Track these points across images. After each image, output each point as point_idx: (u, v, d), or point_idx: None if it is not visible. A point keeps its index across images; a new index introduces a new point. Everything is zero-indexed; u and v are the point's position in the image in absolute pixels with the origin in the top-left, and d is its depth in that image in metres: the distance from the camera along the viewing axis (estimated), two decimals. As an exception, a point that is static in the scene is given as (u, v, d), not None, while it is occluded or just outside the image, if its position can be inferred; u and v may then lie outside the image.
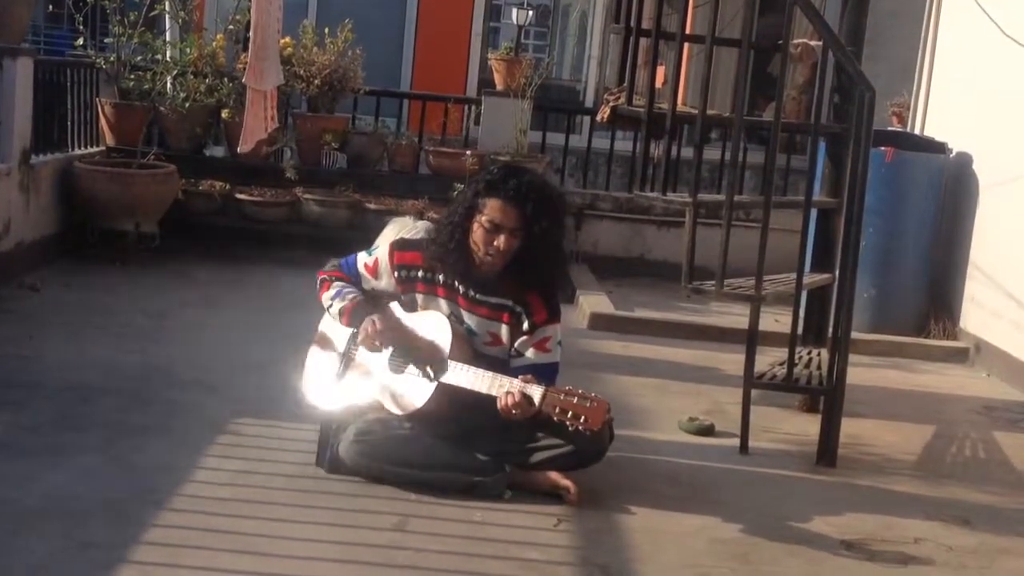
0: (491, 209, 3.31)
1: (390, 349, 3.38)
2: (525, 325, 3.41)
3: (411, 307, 3.49)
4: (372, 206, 7.03)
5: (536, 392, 3.18)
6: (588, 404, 3.14)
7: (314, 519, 3.15)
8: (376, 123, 7.70)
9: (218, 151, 7.40)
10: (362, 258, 3.54)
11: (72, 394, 3.99)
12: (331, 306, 3.49)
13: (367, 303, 3.44)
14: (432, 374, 3.32)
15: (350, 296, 3.45)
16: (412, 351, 3.35)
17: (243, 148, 6.15)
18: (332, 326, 3.54)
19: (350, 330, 3.47)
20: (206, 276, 6.28)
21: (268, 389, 4.15)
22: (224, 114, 7.10)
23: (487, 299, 3.42)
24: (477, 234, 3.33)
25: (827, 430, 4.07)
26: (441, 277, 3.44)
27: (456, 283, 3.43)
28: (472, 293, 3.43)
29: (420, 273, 3.46)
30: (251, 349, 4.80)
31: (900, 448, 4.34)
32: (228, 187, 7.06)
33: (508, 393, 3.21)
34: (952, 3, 6.72)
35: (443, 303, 3.45)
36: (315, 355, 3.60)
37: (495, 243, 3.30)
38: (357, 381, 3.46)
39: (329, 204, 7.02)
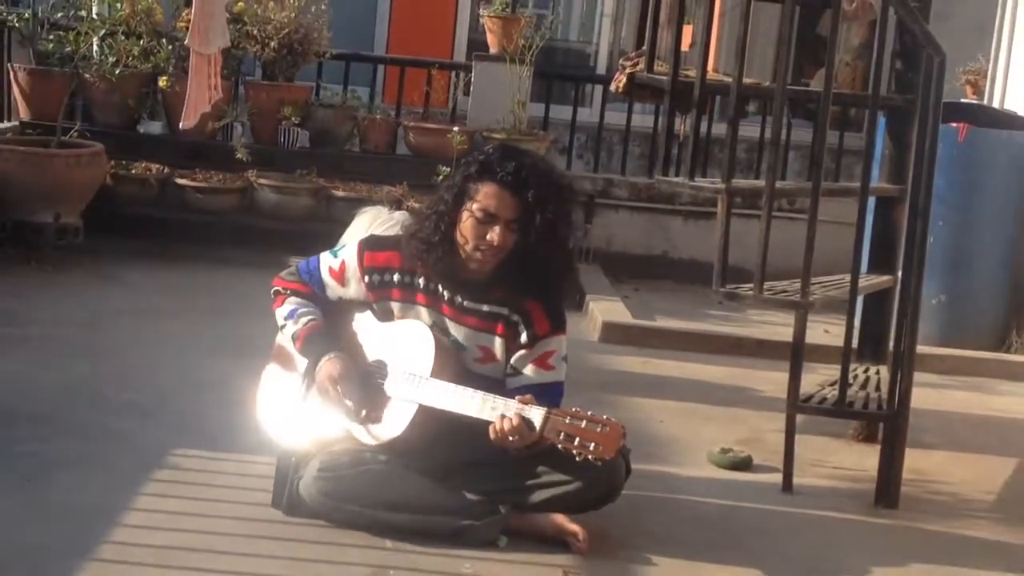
0: (484, 195, 3.33)
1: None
2: (523, 337, 3.42)
3: (386, 317, 3.50)
4: (340, 193, 7.05)
5: (537, 415, 3.19)
6: (599, 429, 3.14)
7: (269, 571, 3.15)
8: (345, 93, 7.70)
9: (154, 127, 7.40)
10: (326, 261, 3.55)
11: (-22, 420, 4.00)
12: (284, 327, 3.52)
13: (325, 332, 3.45)
14: (411, 395, 3.33)
15: (304, 319, 3.47)
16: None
17: (185, 124, 6.15)
18: (292, 339, 3.55)
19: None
20: (139, 278, 6.28)
21: (215, 414, 4.15)
22: (162, 83, 7.10)
23: (477, 306, 3.43)
24: (466, 225, 3.35)
25: (888, 464, 4.08)
26: (421, 281, 3.45)
27: (440, 288, 3.45)
28: (459, 300, 3.44)
29: (396, 277, 3.47)
30: (194, 366, 4.81)
31: (976, 486, 4.35)
32: (166, 171, 7.07)
33: (503, 417, 3.21)
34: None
35: (424, 312, 3.46)
36: (272, 374, 3.61)
37: (488, 236, 3.32)
38: (321, 405, 3.47)
39: (288, 191, 7.04)
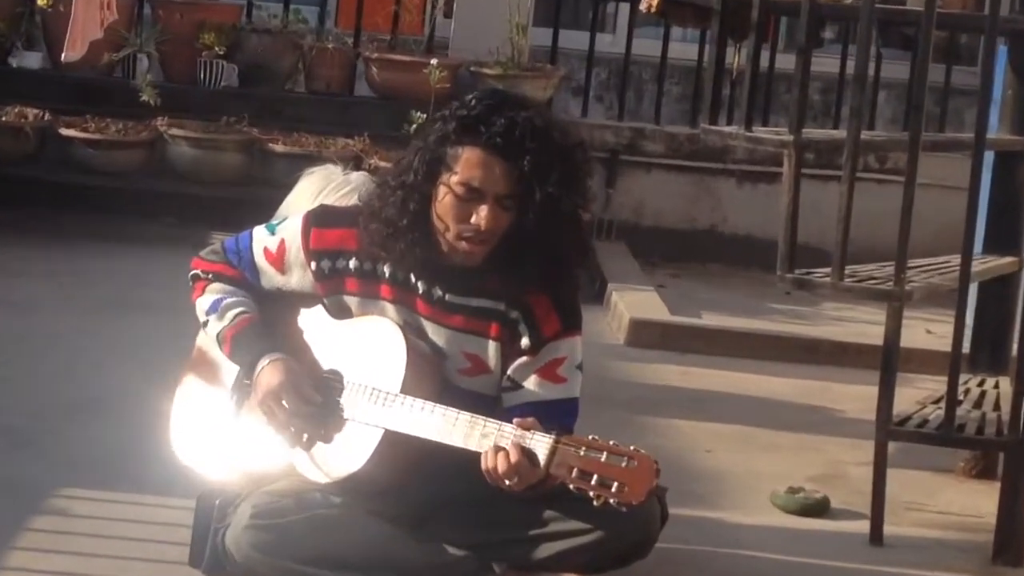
0: (466, 164, 3.31)
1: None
2: (525, 340, 3.42)
3: (342, 314, 3.49)
4: (279, 148, 7.03)
5: (541, 445, 3.19)
6: (624, 463, 3.15)
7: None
8: (285, 14, 7.69)
9: (32, 60, 7.40)
10: (261, 239, 3.53)
11: None
12: (206, 323, 3.49)
13: (261, 328, 3.44)
14: (373, 417, 3.33)
15: (233, 313, 3.45)
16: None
17: (69, 55, 6.15)
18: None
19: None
20: (12, 260, 6.28)
21: (113, 442, 4.15)
22: (41, 0, 7.09)
23: (463, 301, 3.43)
24: (444, 204, 3.33)
25: (1009, 507, 4.08)
26: (387, 268, 3.45)
27: (412, 278, 3.44)
28: (439, 293, 3.43)
29: (352, 263, 3.47)
30: (86, 378, 4.80)
31: None
32: (47, 117, 7.06)
33: (498, 449, 3.22)
34: None
35: (391, 310, 3.45)
36: (190, 388, 3.61)
37: (473, 218, 3.31)
38: (257, 429, 3.47)
39: (210, 144, 7.02)
